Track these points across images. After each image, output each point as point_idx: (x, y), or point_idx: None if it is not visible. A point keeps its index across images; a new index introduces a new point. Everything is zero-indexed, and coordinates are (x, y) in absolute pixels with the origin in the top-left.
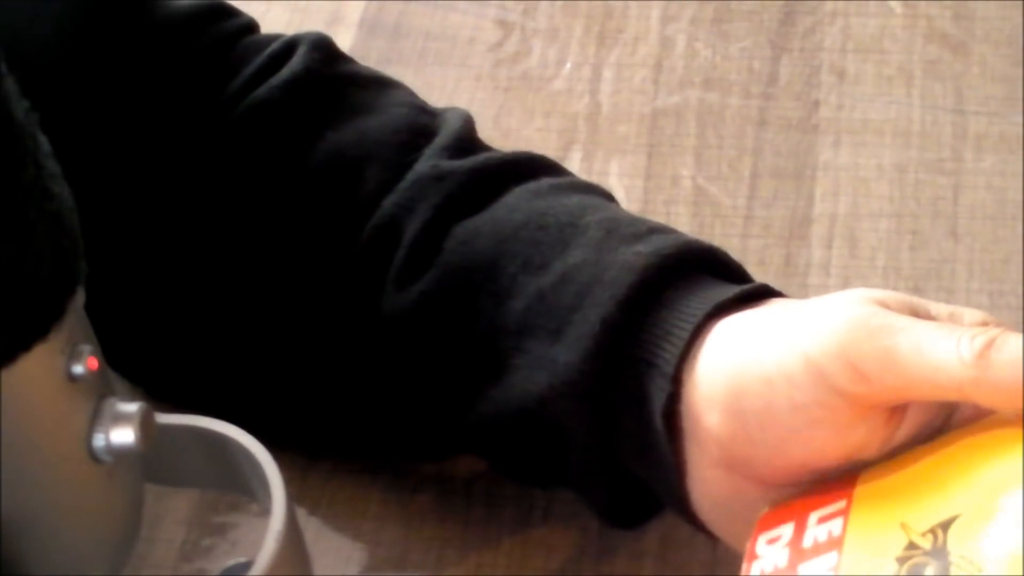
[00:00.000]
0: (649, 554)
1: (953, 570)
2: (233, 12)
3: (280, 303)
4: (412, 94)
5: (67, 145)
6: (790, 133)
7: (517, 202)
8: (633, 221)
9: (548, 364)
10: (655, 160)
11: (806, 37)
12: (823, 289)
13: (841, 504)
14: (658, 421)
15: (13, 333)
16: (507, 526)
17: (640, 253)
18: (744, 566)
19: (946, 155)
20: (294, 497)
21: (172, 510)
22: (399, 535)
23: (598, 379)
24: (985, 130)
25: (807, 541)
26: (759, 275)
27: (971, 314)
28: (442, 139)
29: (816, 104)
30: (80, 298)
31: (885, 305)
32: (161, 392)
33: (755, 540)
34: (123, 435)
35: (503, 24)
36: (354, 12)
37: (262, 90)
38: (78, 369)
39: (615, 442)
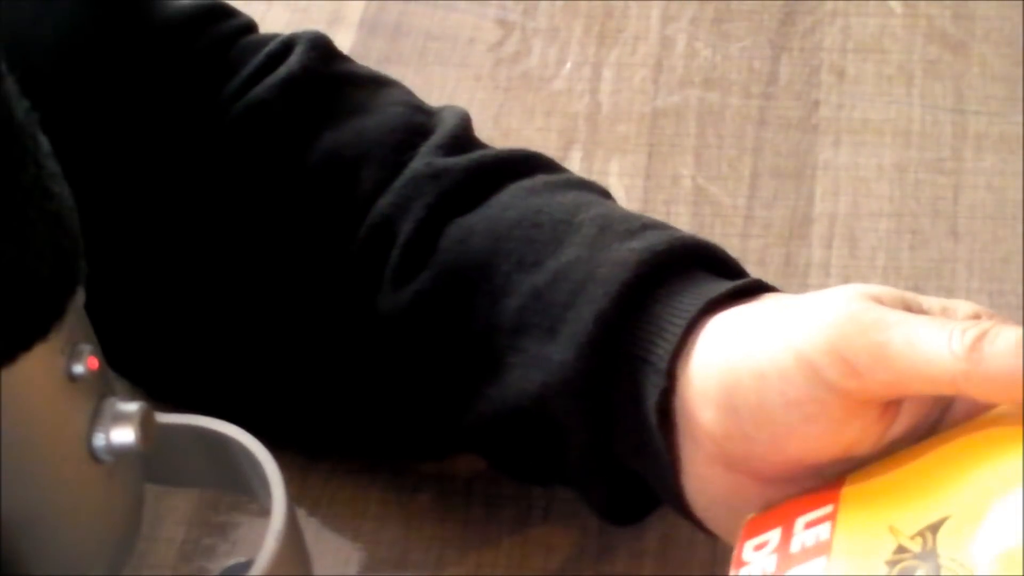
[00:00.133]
0: (649, 554)
1: (944, 572)
2: (232, 13)
3: (278, 302)
4: (409, 93)
5: (67, 145)
6: (790, 133)
7: (512, 200)
8: (627, 217)
9: (543, 362)
10: (655, 160)
11: (806, 37)
12: (823, 289)
13: (828, 508)
14: (652, 417)
15: (13, 333)
16: (507, 526)
17: (634, 250)
18: (731, 572)
19: (946, 155)
20: (294, 497)
21: (172, 510)
22: (399, 535)
23: (593, 376)
24: (985, 130)
25: (795, 546)
26: (759, 275)
27: (964, 307)
28: (437, 137)
29: (816, 104)
30: (80, 298)
31: (878, 300)
32: (161, 392)
33: (741, 546)
34: (123, 435)
35: (503, 24)
36: (354, 12)
37: (259, 89)
38: (78, 369)
39: (612, 439)
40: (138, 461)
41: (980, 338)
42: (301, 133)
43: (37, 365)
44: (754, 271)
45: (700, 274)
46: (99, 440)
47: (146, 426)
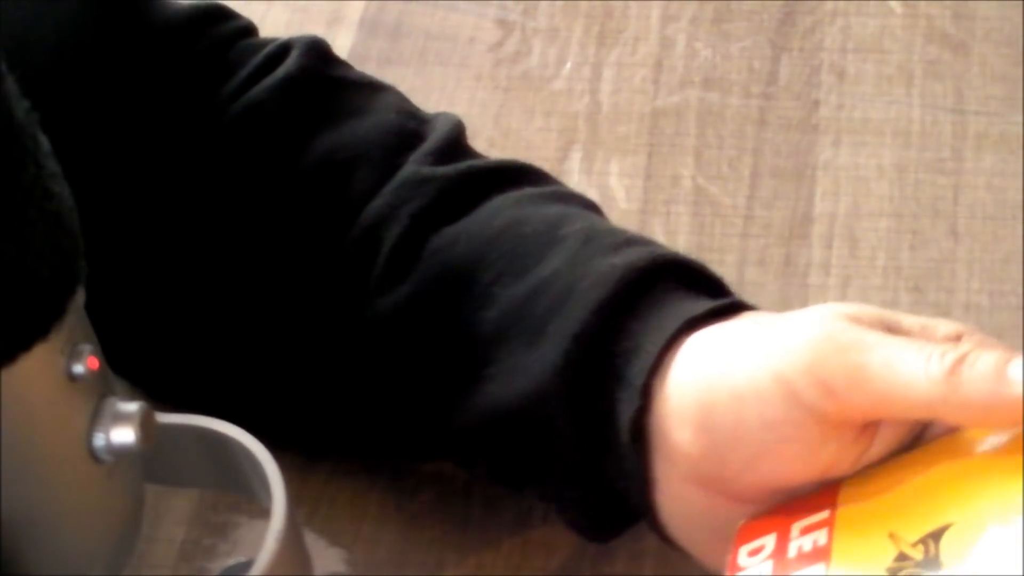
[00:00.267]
0: (649, 554)
1: None
2: (231, 15)
3: (271, 304)
4: (404, 99)
5: (67, 145)
6: (790, 133)
7: (497, 210)
8: (611, 232)
9: (521, 374)
10: (655, 160)
11: (806, 37)
12: (823, 289)
13: (824, 514)
14: (625, 434)
15: (13, 333)
16: (507, 526)
17: (615, 265)
18: None
19: (946, 155)
20: (294, 498)
21: (172, 510)
22: (399, 536)
23: (568, 391)
24: (985, 130)
25: (791, 552)
26: (759, 275)
27: (944, 326)
28: (428, 145)
29: (816, 104)
30: (80, 298)
31: (857, 320)
32: (160, 392)
33: (736, 552)
34: (123, 435)
35: (503, 24)
36: (354, 12)
37: (256, 91)
38: (78, 369)
39: (587, 454)
40: (138, 461)
41: (959, 362)
42: (295, 135)
43: (37, 365)
44: (754, 271)
45: (681, 292)
46: (99, 440)
47: (146, 426)
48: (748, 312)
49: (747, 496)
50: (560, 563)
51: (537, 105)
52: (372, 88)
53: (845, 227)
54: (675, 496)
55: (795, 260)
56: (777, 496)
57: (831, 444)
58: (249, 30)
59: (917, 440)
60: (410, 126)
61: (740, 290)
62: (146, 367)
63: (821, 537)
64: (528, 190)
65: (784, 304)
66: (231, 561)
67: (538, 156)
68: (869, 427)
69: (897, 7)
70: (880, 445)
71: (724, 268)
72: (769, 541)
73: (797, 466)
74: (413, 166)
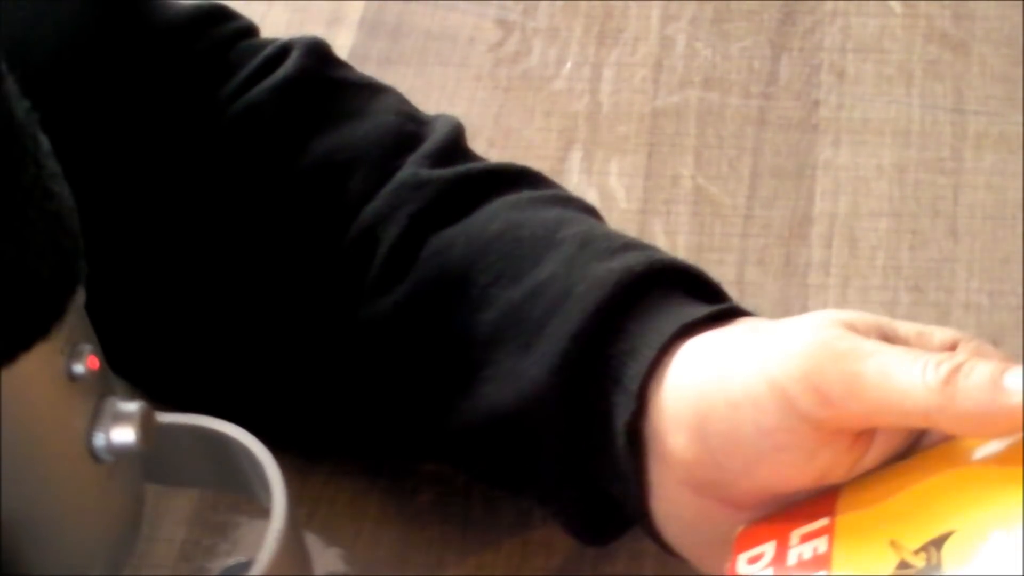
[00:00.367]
0: (649, 554)
1: None
2: (232, 15)
3: (269, 304)
4: (404, 101)
5: (67, 145)
6: (790, 133)
7: (494, 214)
8: (609, 236)
9: (517, 378)
10: (655, 160)
11: (806, 37)
12: (823, 289)
13: (824, 521)
14: (620, 438)
15: (14, 332)
16: (507, 527)
17: (612, 269)
18: None
19: (946, 155)
20: (294, 498)
21: (172, 509)
22: (399, 536)
23: (564, 394)
24: (985, 130)
25: (791, 559)
26: (759, 275)
27: (941, 333)
28: (427, 147)
29: (816, 104)
30: (80, 298)
31: (852, 327)
32: (160, 392)
33: (735, 559)
34: (123, 434)
35: (503, 24)
36: (354, 12)
37: (254, 92)
38: (78, 368)
39: (583, 457)
40: (138, 461)
41: (955, 372)
42: (293, 137)
43: (37, 365)
44: (754, 271)
45: (678, 296)
46: (99, 440)
47: (146, 426)
48: (745, 318)
49: (743, 502)
50: (560, 563)
51: (537, 105)
52: (371, 90)
53: (845, 227)
54: (671, 501)
55: (795, 260)
56: (773, 502)
57: (826, 451)
58: (250, 31)
59: (913, 447)
60: (409, 128)
61: (740, 290)
62: (146, 367)
63: (821, 545)
64: (526, 193)
65: (784, 304)
66: (231, 561)
67: (538, 156)
68: (865, 435)
69: (897, 7)
70: (876, 453)
71: (724, 268)
72: (769, 548)
73: (792, 473)
74: (412, 168)
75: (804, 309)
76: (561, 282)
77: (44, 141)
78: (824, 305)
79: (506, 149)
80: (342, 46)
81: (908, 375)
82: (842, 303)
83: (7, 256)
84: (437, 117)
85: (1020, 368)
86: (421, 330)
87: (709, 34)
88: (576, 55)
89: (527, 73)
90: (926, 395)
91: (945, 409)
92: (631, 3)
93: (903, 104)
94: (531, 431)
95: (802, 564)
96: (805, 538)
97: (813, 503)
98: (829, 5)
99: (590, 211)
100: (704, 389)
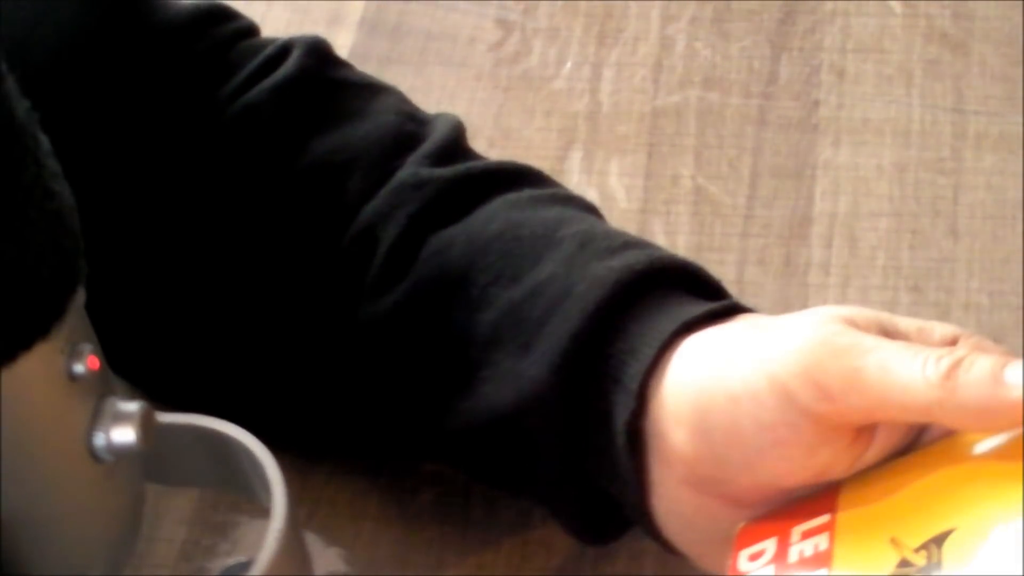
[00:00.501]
0: (649, 554)
1: None
2: (233, 15)
3: (269, 304)
4: (404, 100)
5: (67, 145)
6: (790, 133)
7: (494, 213)
8: (609, 235)
9: (516, 377)
10: (655, 160)
11: (806, 37)
12: (823, 288)
13: (825, 518)
14: (621, 437)
15: (14, 332)
16: (507, 526)
17: (612, 268)
18: None
19: (946, 155)
20: (294, 497)
21: (173, 509)
22: (399, 536)
23: (564, 393)
24: (985, 130)
25: (792, 556)
26: (759, 275)
27: (941, 329)
28: (427, 147)
29: (816, 104)
30: (80, 297)
31: (853, 323)
32: (160, 393)
33: (736, 556)
34: (124, 434)
35: (503, 24)
36: (354, 12)
37: (254, 93)
38: (78, 368)
39: (582, 457)
40: (138, 461)
41: (955, 366)
42: (293, 137)
43: (37, 364)
44: (754, 271)
45: (678, 294)
46: (99, 440)
47: (146, 426)
48: (745, 315)
49: (744, 499)
50: (560, 563)
51: (537, 105)
52: (372, 89)
53: (845, 227)
54: (671, 499)
55: (795, 260)
56: (774, 499)
57: (827, 447)
58: (250, 30)
59: (914, 443)
60: (409, 128)
61: (740, 290)
62: (146, 367)
63: (822, 542)
64: (527, 192)
65: (784, 304)
66: (231, 561)
67: (538, 156)
68: (865, 430)
69: (897, 7)
70: (877, 448)
71: (724, 268)
72: (770, 545)
73: (793, 469)
74: (411, 168)
75: (804, 309)
76: (561, 281)
77: (44, 141)
78: (824, 304)
79: (506, 149)
80: (342, 46)
81: (908, 370)
82: (842, 303)
83: (7, 256)
84: (437, 116)
85: (1020, 362)
86: (421, 330)
87: (709, 34)
88: (576, 55)
89: (527, 73)
90: (926, 390)
91: (945, 404)
92: (631, 3)
93: (903, 104)
94: (531, 431)
95: (803, 562)
96: (806, 535)
97: (814, 499)
98: (829, 5)
99: (590, 209)
100: (704, 385)
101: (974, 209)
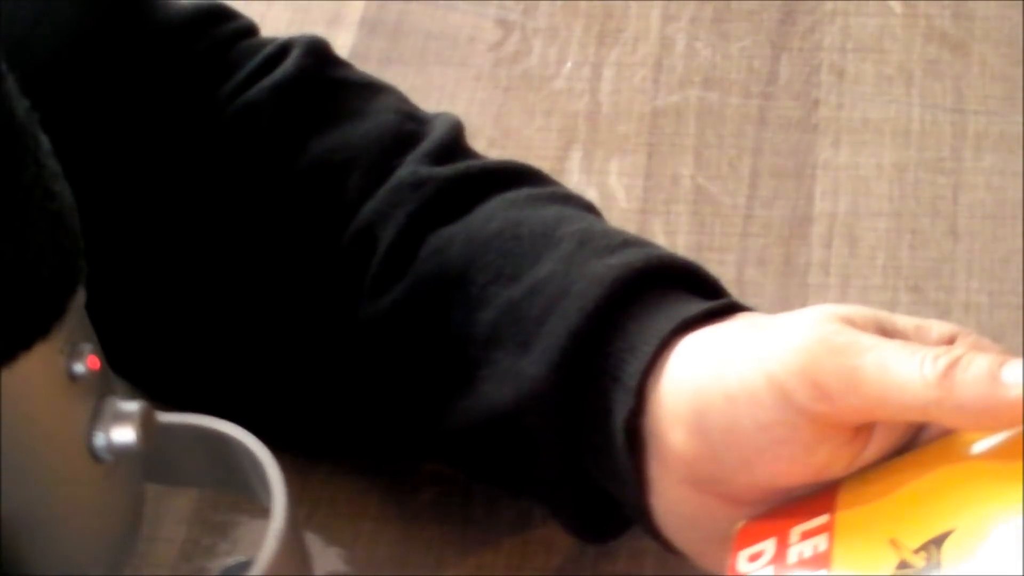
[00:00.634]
0: (649, 553)
1: None
2: (233, 15)
3: (268, 303)
4: (403, 100)
5: (67, 145)
6: (790, 132)
7: (493, 211)
8: (608, 233)
9: (515, 376)
10: (655, 159)
11: (806, 37)
12: (823, 288)
13: (824, 519)
14: (619, 436)
15: (14, 332)
16: (507, 526)
17: (611, 266)
18: None
19: (946, 155)
20: (294, 497)
21: (173, 509)
22: (399, 535)
23: (563, 392)
24: (985, 130)
25: (792, 557)
26: (759, 275)
27: (939, 327)
28: (426, 145)
29: (816, 103)
30: (80, 297)
31: (850, 322)
32: (160, 393)
33: (735, 556)
34: (124, 434)
35: (503, 24)
36: (354, 12)
37: (253, 92)
38: (79, 368)
39: (581, 456)
40: (138, 461)
41: (952, 365)
42: (292, 137)
43: (37, 364)
44: (754, 271)
45: (677, 293)
46: (99, 440)
47: (146, 426)
48: (744, 313)
49: (742, 498)
50: (560, 563)
51: (537, 105)
52: (371, 89)
53: (845, 227)
54: (670, 498)
55: (795, 260)
56: (772, 498)
57: (825, 446)
58: (250, 30)
59: (912, 442)
60: (408, 127)
61: (740, 290)
62: (146, 367)
63: (821, 543)
64: (526, 191)
65: (784, 304)
66: (231, 561)
67: (538, 156)
68: (864, 429)
69: (897, 7)
70: (875, 447)
71: (724, 268)
72: (769, 546)
73: (791, 468)
74: (411, 167)
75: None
76: (560, 280)
77: (44, 140)
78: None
79: (506, 149)
80: (342, 46)
81: (906, 369)
82: (842, 303)
83: (7, 256)
84: (437, 115)
85: (1018, 361)
86: (420, 329)
87: (709, 34)
88: (576, 55)
89: (527, 73)
90: (924, 389)
91: (943, 403)
92: (631, 3)
93: (903, 104)
94: (530, 429)
95: (802, 562)
96: (805, 535)
97: (813, 499)
98: (829, 5)
99: (589, 208)
100: (702, 384)
101: (974, 209)
